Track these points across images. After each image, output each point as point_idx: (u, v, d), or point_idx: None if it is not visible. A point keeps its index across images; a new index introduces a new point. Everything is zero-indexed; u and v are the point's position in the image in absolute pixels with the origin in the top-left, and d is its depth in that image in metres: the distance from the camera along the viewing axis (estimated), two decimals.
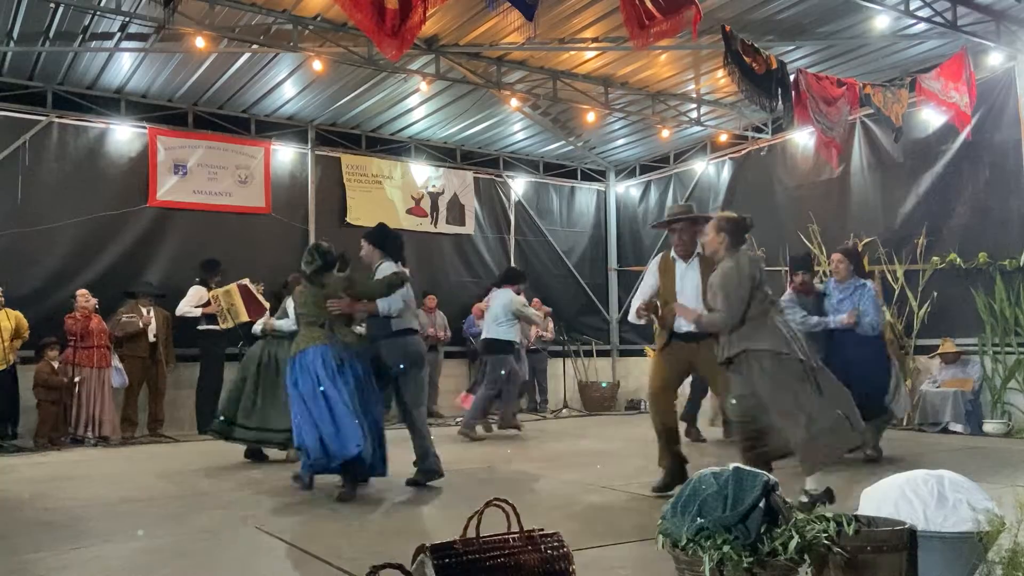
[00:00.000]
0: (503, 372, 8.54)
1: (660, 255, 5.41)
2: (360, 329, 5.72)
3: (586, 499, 4.97)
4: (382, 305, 5.33)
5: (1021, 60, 8.60)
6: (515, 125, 11.79)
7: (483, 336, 8.91)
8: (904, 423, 8.97)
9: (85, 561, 3.60)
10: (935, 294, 9.13)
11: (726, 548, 2.40)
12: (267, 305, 8.94)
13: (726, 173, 12.08)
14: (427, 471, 5.46)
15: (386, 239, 5.78)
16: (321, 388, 5.09)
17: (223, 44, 8.51)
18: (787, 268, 7.44)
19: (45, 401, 8.26)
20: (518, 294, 8.89)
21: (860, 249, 9.67)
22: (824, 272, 9.38)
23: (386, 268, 5.55)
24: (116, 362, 8.75)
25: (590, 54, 9.31)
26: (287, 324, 7.00)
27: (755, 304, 4.46)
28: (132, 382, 8.87)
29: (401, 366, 5.52)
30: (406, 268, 5.69)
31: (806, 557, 2.46)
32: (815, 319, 6.51)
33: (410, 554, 2.32)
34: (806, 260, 7.12)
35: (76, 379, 8.29)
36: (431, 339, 11.11)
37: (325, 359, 5.18)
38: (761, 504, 2.47)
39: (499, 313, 8.63)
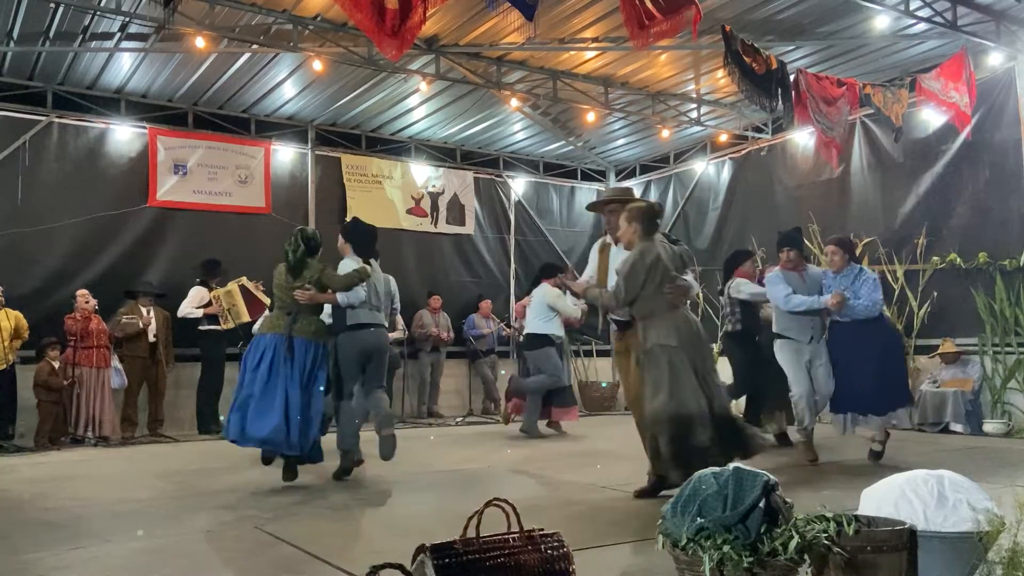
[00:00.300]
0: (546, 367, 8.45)
1: (601, 239, 5.52)
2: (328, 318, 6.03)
3: (586, 499, 4.97)
4: (340, 297, 5.70)
5: (1021, 60, 8.60)
6: (515, 125, 11.79)
7: (524, 332, 8.89)
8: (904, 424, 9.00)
9: (85, 561, 3.60)
10: (935, 294, 9.13)
11: (726, 548, 2.40)
12: (267, 301, 8.96)
13: (726, 173, 12.08)
14: (384, 442, 5.70)
15: (353, 234, 6.16)
16: (258, 372, 5.44)
17: (223, 44, 8.51)
18: None
19: (45, 401, 8.27)
20: (558, 287, 8.71)
21: (860, 250, 9.70)
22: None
23: (346, 264, 5.94)
24: (115, 363, 8.76)
25: (590, 54, 9.31)
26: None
27: (661, 295, 4.60)
28: (132, 382, 8.88)
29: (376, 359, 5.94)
30: (369, 264, 5.95)
31: (806, 557, 2.46)
32: (798, 299, 6.16)
33: (410, 554, 2.32)
34: (792, 236, 6.66)
35: (69, 380, 8.28)
36: (434, 340, 11.12)
37: (277, 348, 5.48)
38: (761, 504, 2.47)
39: (536, 307, 8.65)
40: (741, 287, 7.13)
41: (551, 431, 8.82)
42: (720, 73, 8.97)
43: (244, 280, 9.33)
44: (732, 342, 7.37)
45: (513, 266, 12.70)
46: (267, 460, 5.75)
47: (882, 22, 8.23)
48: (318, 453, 5.65)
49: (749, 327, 7.18)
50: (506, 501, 2.41)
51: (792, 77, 7.90)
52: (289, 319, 5.58)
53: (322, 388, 5.59)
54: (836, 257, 6.26)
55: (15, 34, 8.27)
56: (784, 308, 6.25)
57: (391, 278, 7.68)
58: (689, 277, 4.83)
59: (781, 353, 6.36)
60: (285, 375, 5.40)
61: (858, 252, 9.62)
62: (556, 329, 8.67)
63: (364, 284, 5.77)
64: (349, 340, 5.87)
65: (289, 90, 10.11)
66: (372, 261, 6.11)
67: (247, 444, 5.46)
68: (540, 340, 8.57)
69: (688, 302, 4.81)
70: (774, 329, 6.51)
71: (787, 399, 6.44)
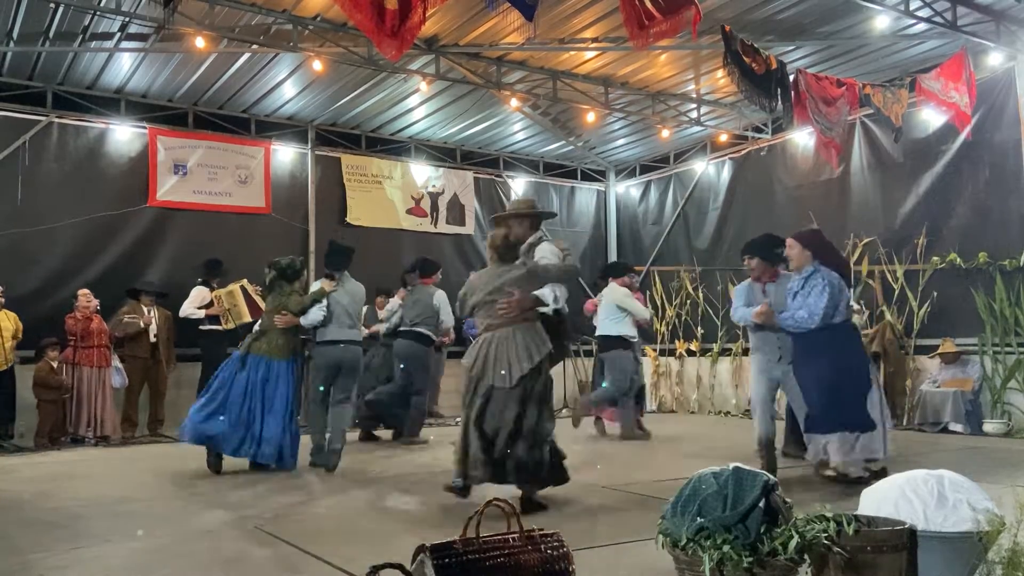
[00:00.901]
0: (625, 368, 8.25)
1: None
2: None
3: (586, 499, 4.96)
4: (302, 320, 6.40)
5: (1021, 60, 8.60)
6: (515, 125, 11.79)
7: (596, 333, 8.64)
8: (903, 424, 8.98)
9: (85, 561, 3.60)
10: (935, 294, 9.13)
11: (726, 548, 2.40)
12: (264, 307, 9.03)
13: (726, 173, 12.08)
14: (330, 454, 6.34)
15: (326, 256, 6.84)
16: (216, 380, 6.28)
17: (223, 44, 8.51)
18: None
19: (45, 401, 8.25)
20: (628, 287, 8.49)
21: (860, 250, 9.68)
22: None
23: (314, 285, 6.75)
24: (116, 362, 8.76)
25: (590, 54, 9.31)
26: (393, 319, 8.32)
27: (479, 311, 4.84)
28: (133, 382, 8.88)
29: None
30: (334, 281, 6.61)
31: (806, 557, 2.46)
32: (738, 312, 5.75)
33: (410, 554, 2.32)
34: (753, 243, 6.04)
35: (67, 382, 8.27)
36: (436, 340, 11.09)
37: (233, 363, 6.27)
38: (761, 504, 2.47)
39: (606, 308, 8.39)
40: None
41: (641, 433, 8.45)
42: (720, 73, 8.96)
43: (245, 282, 9.34)
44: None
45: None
46: (213, 466, 6.20)
47: (882, 22, 8.23)
48: (279, 460, 6.19)
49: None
50: (506, 501, 2.41)
51: (792, 77, 7.89)
52: (251, 337, 6.38)
53: (285, 402, 6.20)
54: (792, 252, 5.44)
55: (15, 34, 8.27)
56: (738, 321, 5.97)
57: (438, 292, 8.39)
58: (545, 291, 4.81)
59: (751, 364, 6.04)
60: (234, 387, 6.15)
61: (858, 252, 9.65)
62: (628, 330, 8.32)
63: (321, 305, 6.42)
64: (319, 355, 6.63)
65: (289, 90, 10.11)
66: (345, 274, 6.75)
67: (190, 439, 6.16)
68: (613, 342, 8.30)
69: (532, 315, 4.73)
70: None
71: None
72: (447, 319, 8.45)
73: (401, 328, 8.18)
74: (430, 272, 8.53)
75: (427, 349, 8.33)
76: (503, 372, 4.53)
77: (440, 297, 8.30)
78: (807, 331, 5.23)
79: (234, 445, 6.08)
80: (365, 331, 10.06)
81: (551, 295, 4.86)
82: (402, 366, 8.09)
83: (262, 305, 9.06)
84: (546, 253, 5.02)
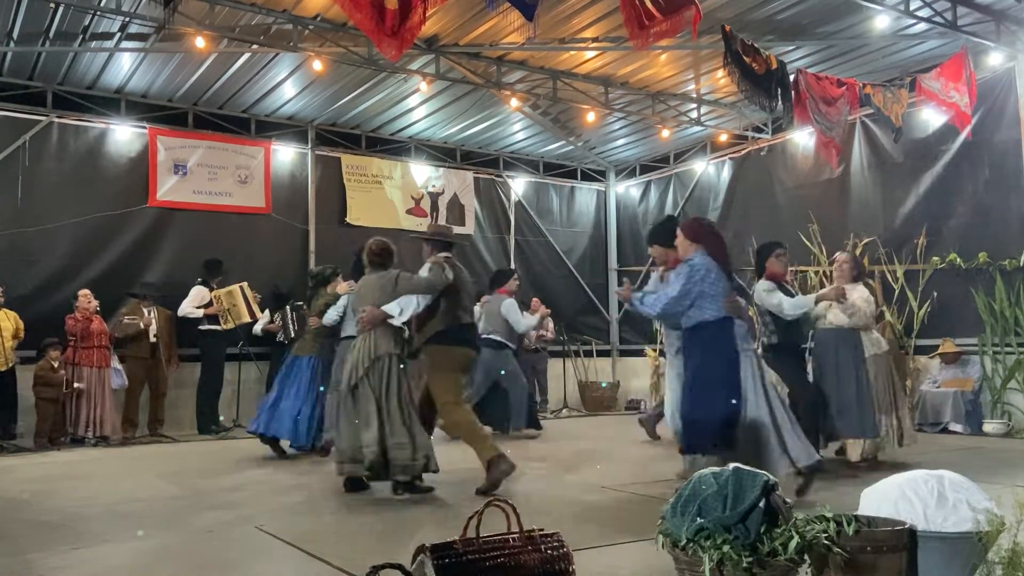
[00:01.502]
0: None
1: None
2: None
3: (586, 499, 4.97)
4: (323, 320, 7.22)
5: (1021, 60, 8.60)
6: (515, 125, 11.79)
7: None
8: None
9: (85, 561, 3.60)
10: (935, 294, 9.13)
11: (726, 548, 2.40)
12: (259, 312, 9.18)
13: (726, 173, 12.08)
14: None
15: (353, 265, 7.18)
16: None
17: (223, 44, 8.51)
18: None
19: (44, 400, 8.25)
20: None
21: (859, 250, 9.67)
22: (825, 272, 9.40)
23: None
24: (115, 363, 8.76)
25: (590, 54, 9.31)
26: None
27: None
28: (134, 382, 8.87)
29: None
30: (349, 285, 7.08)
31: (806, 557, 2.46)
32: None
33: (410, 554, 2.33)
34: (654, 230, 5.77)
35: (75, 386, 8.26)
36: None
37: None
38: (761, 504, 2.47)
39: None
40: (763, 295, 5.81)
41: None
42: (720, 73, 8.96)
43: (245, 285, 9.35)
44: (771, 357, 5.86)
45: (513, 266, 12.68)
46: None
47: (882, 22, 8.23)
48: (293, 436, 7.03)
49: (788, 338, 5.93)
50: (506, 501, 2.41)
51: (792, 77, 7.89)
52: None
53: (303, 388, 7.10)
54: (677, 241, 5.05)
55: (15, 34, 8.27)
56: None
57: (505, 301, 8.57)
58: (392, 305, 5.19)
59: None
60: (280, 383, 7.26)
61: (858, 252, 9.64)
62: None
63: (336, 306, 7.14)
64: (341, 349, 7.01)
65: (289, 90, 10.11)
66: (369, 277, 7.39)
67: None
68: None
69: (378, 325, 5.19)
70: None
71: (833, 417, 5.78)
72: (518, 325, 8.65)
73: (482, 336, 8.15)
74: (502, 282, 8.83)
75: (501, 353, 8.49)
76: (351, 371, 5.13)
77: (507, 306, 8.53)
78: (688, 329, 4.79)
79: (263, 424, 7.10)
80: None
81: (397, 309, 5.25)
82: (480, 373, 8.22)
83: (257, 310, 9.26)
84: (424, 270, 5.51)
